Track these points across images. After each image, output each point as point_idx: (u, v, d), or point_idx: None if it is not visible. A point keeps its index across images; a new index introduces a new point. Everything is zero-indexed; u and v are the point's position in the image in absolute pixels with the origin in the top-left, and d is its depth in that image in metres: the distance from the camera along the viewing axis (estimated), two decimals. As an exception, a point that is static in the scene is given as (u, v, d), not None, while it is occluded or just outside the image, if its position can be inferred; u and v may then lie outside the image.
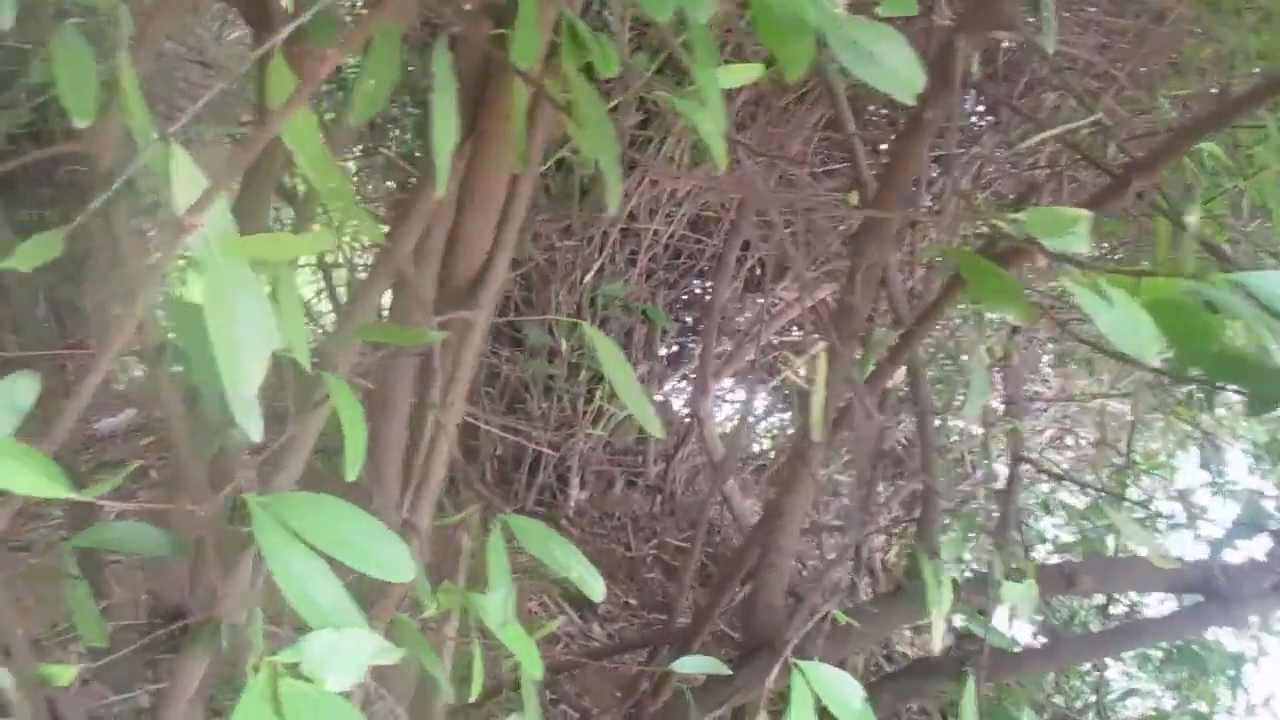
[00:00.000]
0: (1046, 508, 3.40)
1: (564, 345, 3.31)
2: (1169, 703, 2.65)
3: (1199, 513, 2.69)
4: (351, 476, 0.87)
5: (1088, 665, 2.49)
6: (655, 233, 3.53)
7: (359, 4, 2.58)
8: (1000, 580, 1.36)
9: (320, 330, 3.28)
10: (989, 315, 2.25)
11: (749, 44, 2.72)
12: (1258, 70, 1.80)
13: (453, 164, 1.10)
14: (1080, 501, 3.15)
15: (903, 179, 1.36)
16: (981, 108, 2.69)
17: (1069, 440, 4.02)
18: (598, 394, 3.49)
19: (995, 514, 1.69)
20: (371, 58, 0.78)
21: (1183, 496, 3.00)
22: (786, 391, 4.18)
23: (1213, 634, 2.33)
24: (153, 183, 0.74)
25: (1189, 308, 0.75)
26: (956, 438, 3.41)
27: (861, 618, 1.39)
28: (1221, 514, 2.84)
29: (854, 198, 1.61)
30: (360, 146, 3.29)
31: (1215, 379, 0.93)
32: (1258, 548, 1.78)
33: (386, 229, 1.10)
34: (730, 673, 1.41)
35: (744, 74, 1.03)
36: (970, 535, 1.26)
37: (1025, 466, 1.80)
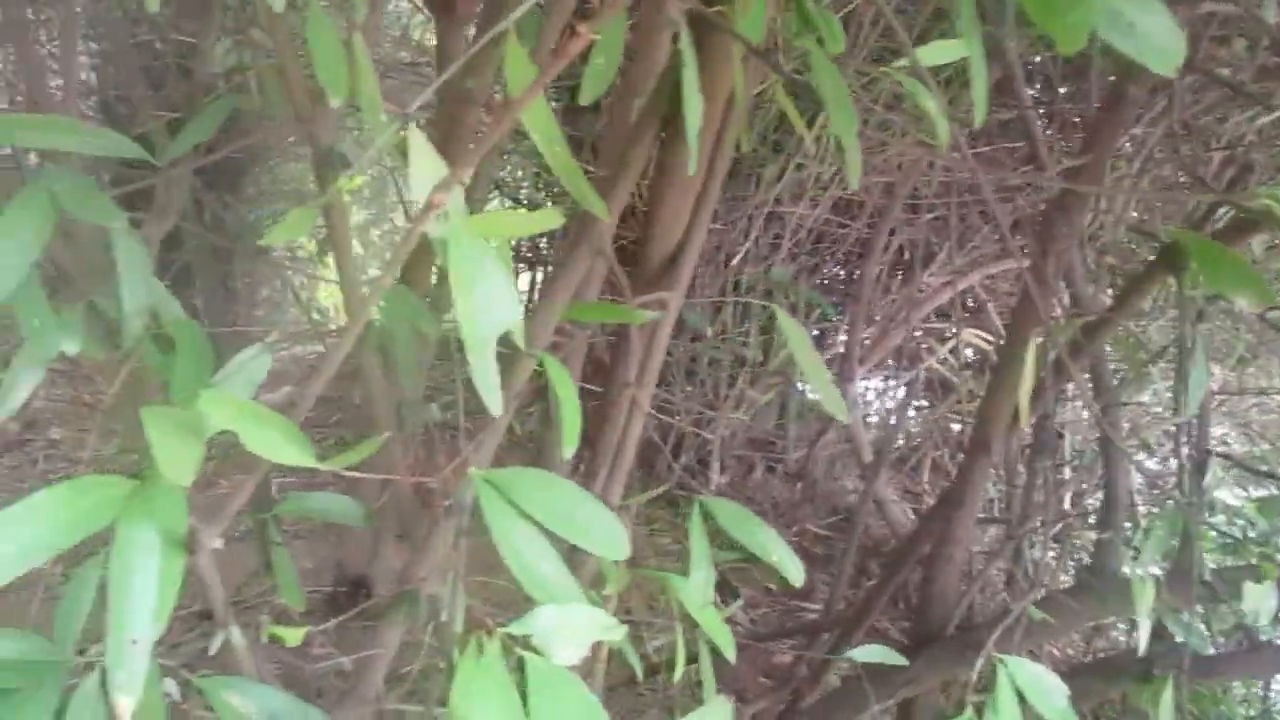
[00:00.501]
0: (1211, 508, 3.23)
1: (709, 329, 3.30)
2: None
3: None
4: (568, 455, 0.88)
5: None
6: (800, 217, 3.49)
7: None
8: (1201, 577, 1.29)
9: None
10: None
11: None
12: None
13: (648, 146, 1.10)
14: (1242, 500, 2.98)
15: (1103, 155, 1.30)
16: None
17: (1237, 436, 3.81)
18: (740, 379, 3.47)
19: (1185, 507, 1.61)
20: (602, 36, 0.78)
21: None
22: (930, 379, 4.08)
23: None
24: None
25: None
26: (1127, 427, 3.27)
27: (1055, 613, 1.34)
28: None
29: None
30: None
31: None
32: None
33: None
34: (906, 663, 1.39)
35: (947, 51, 0.99)
36: (1175, 533, 1.20)
37: (1214, 459, 1.71)
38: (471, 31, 1.54)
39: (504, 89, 1.54)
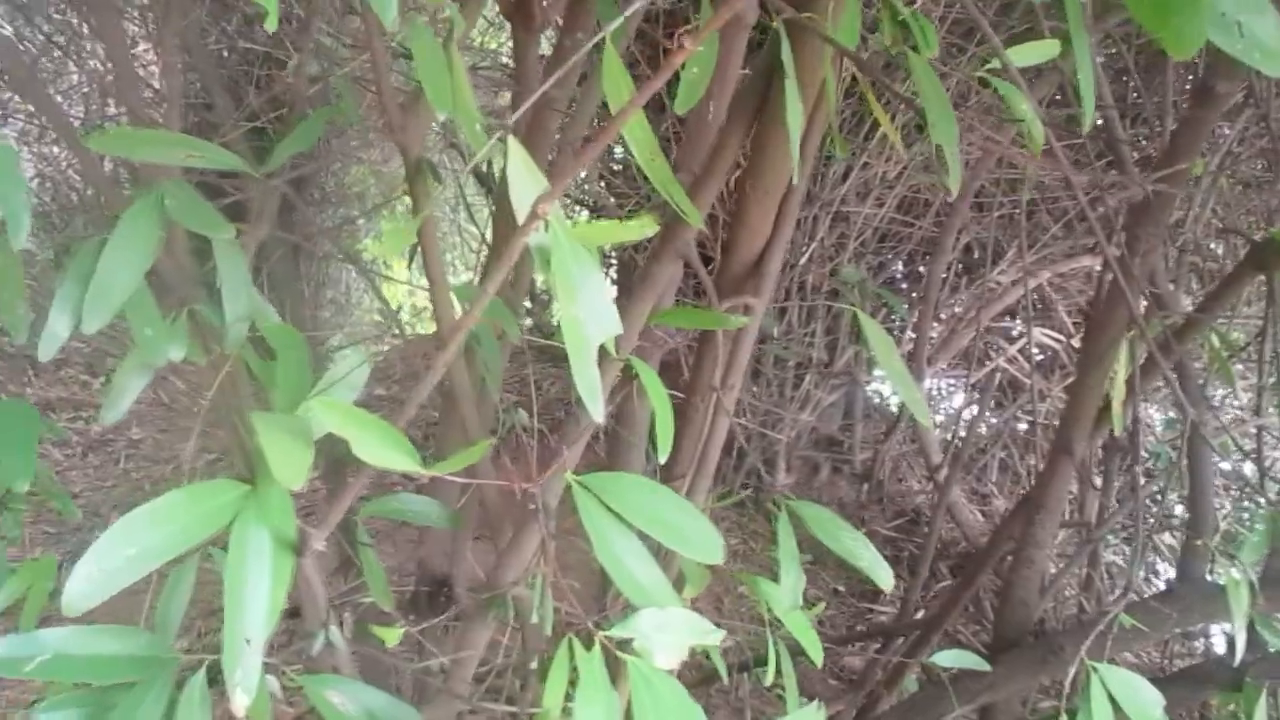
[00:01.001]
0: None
1: (775, 330, 3.29)
2: None
3: None
4: (663, 458, 0.89)
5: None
6: (865, 216, 3.46)
7: None
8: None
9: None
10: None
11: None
12: None
13: (734, 153, 1.11)
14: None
15: (1191, 154, 1.28)
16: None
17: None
18: (806, 379, 3.46)
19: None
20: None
21: None
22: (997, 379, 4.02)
23: None
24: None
25: None
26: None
27: (1144, 620, 1.32)
28: None
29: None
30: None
31: None
32: None
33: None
34: (989, 668, 1.38)
35: (1039, 51, 0.98)
36: (1272, 537, 1.17)
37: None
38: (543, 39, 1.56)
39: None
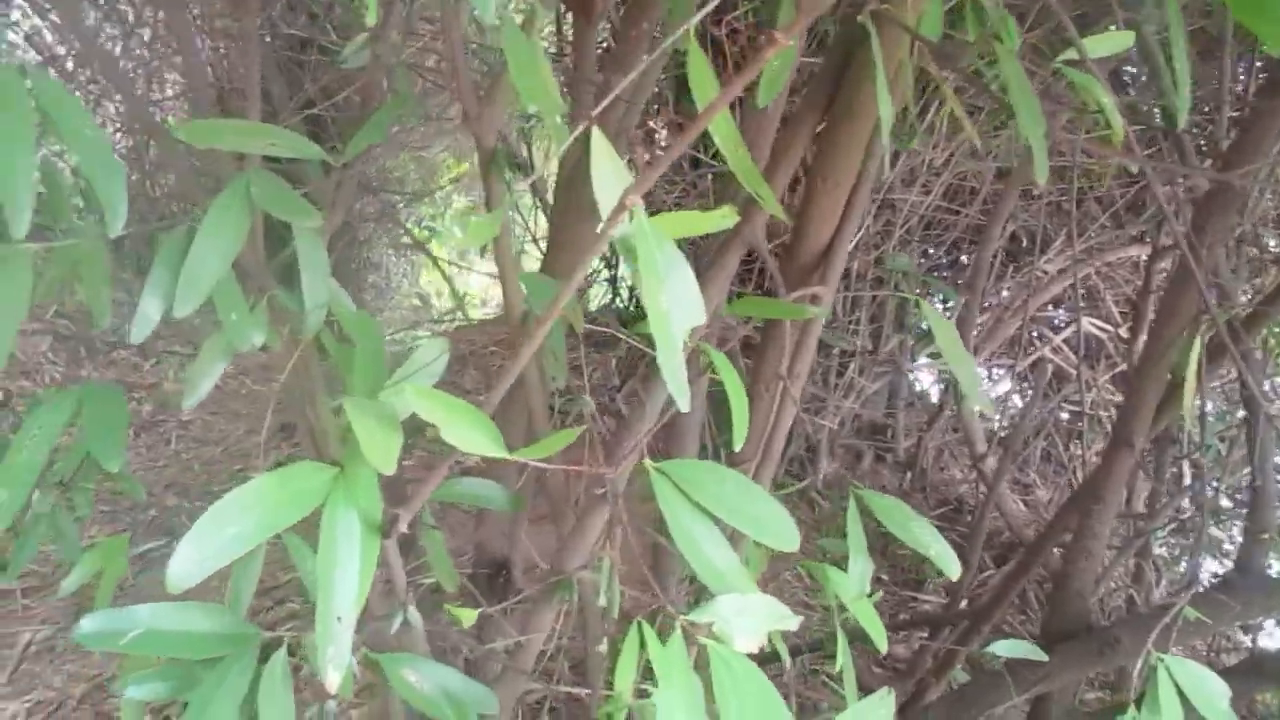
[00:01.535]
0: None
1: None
2: None
3: None
4: (738, 446, 0.90)
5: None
6: (911, 204, 3.45)
7: None
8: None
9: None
10: None
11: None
12: None
13: (803, 145, 1.11)
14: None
15: (1264, 145, 1.26)
16: None
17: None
18: (850, 367, 3.45)
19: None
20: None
21: None
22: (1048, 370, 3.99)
23: None
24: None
25: None
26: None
27: (1207, 612, 1.31)
28: None
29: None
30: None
31: None
32: None
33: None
34: (1046, 658, 1.38)
35: (1114, 42, 0.98)
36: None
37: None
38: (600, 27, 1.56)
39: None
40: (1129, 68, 2.87)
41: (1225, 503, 2.94)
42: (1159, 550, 3.03)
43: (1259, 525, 1.43)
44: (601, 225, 0.74)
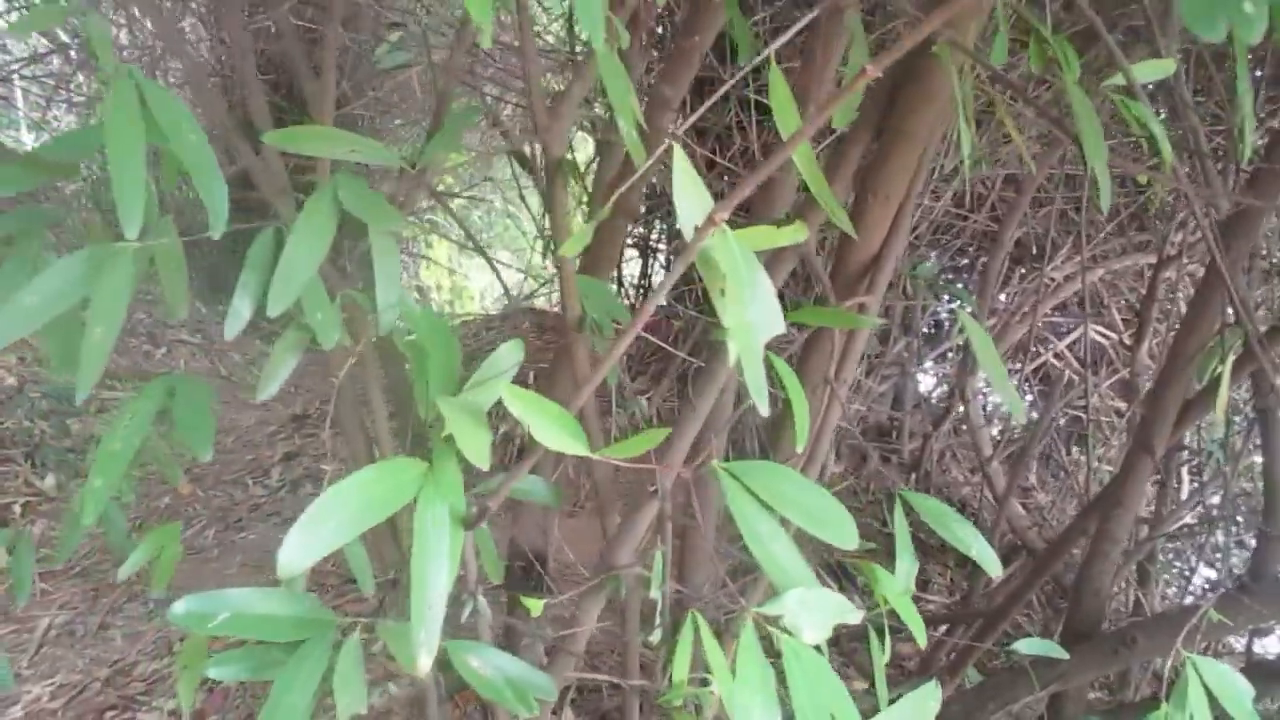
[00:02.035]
0: None
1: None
2: None
3: None
4: (800, 448, 0.94)
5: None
6: (922, 209, 3.50)
7: None
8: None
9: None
10: None
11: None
12: None
13: (856, 160, 1.16)
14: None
15: (1288, 167, 1.31)
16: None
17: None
18: (858, 369, 3.50)
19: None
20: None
21: None
22: (1044, 374, 4.06)
23: None
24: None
25: None
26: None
27: (1232, 615, 1.36)
28: None
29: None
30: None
31: None
32: None
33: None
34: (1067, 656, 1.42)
35: (1156, 69, 1.02)
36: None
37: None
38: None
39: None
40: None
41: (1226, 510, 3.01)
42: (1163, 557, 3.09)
43: (1272, 528, 1.48)
44: (690, 240, 0.78)
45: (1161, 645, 1.51)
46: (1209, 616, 1.27)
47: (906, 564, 1.05)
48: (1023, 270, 3.91)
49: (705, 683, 0.93)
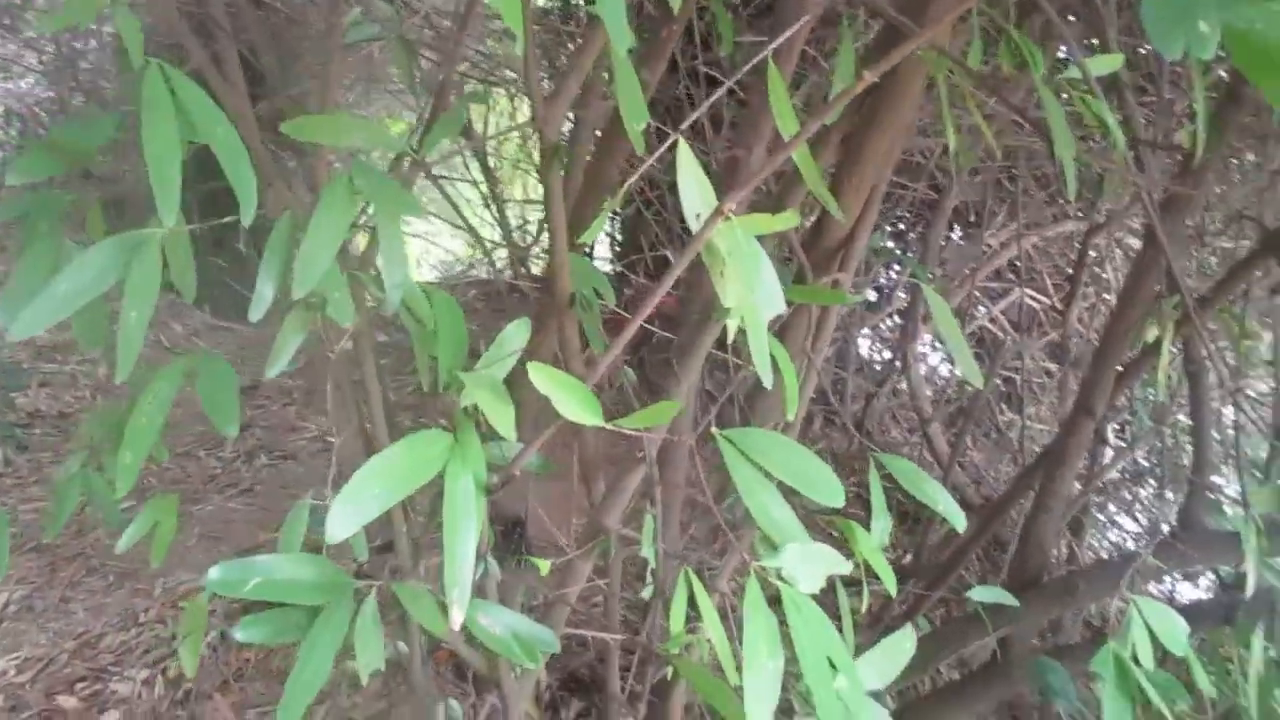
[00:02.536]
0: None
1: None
2: None
3: None
4: (791, 417, 1.02)
5: None
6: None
7: None
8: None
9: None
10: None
11: None
12: None
13: (837, 149, 1.24)
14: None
15: (1218, 151, 1.42)
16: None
17: None
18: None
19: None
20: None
21: None
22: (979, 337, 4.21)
23: None
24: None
25: None
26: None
27: (1165, 560, 1.49)
28: None
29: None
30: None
31: None
32: None
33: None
34: (1018, 603, 1.54)
35: (1107, 63, 1.11)
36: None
37: None
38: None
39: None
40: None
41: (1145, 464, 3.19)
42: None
43: (1199, 481, 1.62)
44: (698, 230, 0.85)
45: (1101, 590, 1.64)
46: (1147, 562, 1.39)
47: (882, 522, 1.14)
48: (961, 237, 4.05)
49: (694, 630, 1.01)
